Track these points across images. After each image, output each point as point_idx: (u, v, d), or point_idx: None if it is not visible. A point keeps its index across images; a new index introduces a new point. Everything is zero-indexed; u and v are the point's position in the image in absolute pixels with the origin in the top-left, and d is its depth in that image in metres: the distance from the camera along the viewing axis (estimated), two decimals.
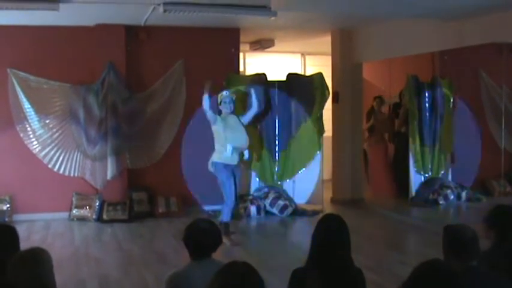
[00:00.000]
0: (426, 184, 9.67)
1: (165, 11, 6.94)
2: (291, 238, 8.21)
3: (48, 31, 8.62)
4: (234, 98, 7.29)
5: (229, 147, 7.04)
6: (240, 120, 7.28)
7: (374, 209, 9.50)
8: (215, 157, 7.15)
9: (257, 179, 9.38)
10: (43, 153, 8.68)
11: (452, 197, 9.61)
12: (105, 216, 8.57)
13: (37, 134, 8.64)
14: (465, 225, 3.24)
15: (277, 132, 9.41)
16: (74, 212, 8.68)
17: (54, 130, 8.69)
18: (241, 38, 9.68)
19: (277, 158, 9.44)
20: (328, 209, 9.32)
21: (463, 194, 9.75)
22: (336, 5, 7.02)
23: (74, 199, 8.74)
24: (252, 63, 11.88)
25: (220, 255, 3.39)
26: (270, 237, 8.04)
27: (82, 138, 8.73)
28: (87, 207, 8.68)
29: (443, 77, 9.94)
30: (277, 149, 9.44)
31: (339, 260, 3.14)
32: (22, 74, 8.51)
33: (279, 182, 9.44)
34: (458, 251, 3.09)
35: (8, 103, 8.52)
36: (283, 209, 8.99)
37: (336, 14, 8.35)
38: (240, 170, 7.52)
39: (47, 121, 8.64)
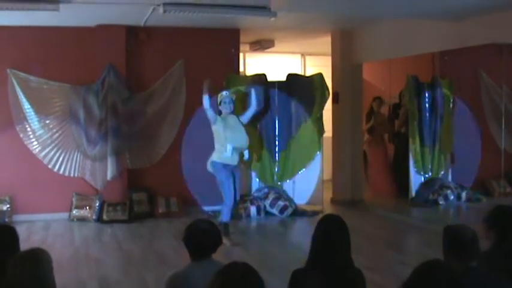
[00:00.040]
0: (426, 184, 9.67)
1: (165, 11, 6.94)
2: (290, 238, 8.21)
3: (49, 31, 8.62)
4: (233, 98, 7.29)
5: (229, 147, 7.05)
6: (239, 120, 7.29)
7: (374, 209, 9.49)
8: (214, 157, 7.16)
9: (257, 180, 9.39)
10: (43, 153, 8.68)
11: (452, 197, 9.61)
12: (105, 217, 8.57)
13: (37, 134, 8.64)
14: (465, 225, 3.24)
15: (277, 133, 9.41)
16: (74, 212, 8.68)
17: (54, 130, 8.69)
18: (241, 39, 9.68)
19: (277, 158, 9.44)
20: (328, 209, 9.33)
21: (463, 195, 9.74)
22: (335, 6, 7.02)
23: (74, 199, 8.74)
24: (252, 63, 11.88)
25: (220, 256, 3.38)
26: (270, 238, 8.04)
27: (82, 138, 8.73)
28: (87, 207, 8.68)
29: (443, 77, 9.94)
30: (277, 149, 9.44)
31: (339, 260, 3.14)
32: (22, 74, 8.51)
33: (279, 183, 9.44)
34: (458, 251, 3.09)
35: (8, 103, 8.52)
36: (283, 209, 8.99)
37: (335, 14, 8.35)
38: (239, 170, 7.52)
39: (47, 121, 8.64)
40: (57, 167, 8.73)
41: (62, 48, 8.75)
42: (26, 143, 8.61)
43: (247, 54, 11.69)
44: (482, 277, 3.02)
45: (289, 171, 9.46)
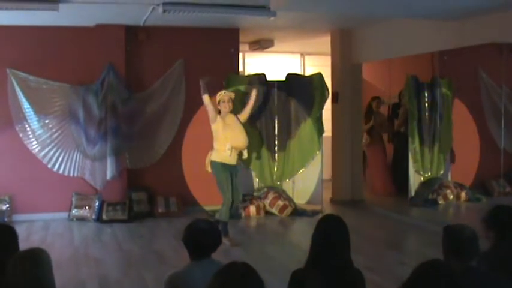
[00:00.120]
0: (426, 184, 9.67)
1: (164, 11, 6.94)
2: (290, 238, 8.21)
3: (48, 31, 8.62)
4: (232, 98, 7.30)
5: (228, 147, 7.05)
6: (239, 120, 7.29)
7: (373, 209, 9.49)
8: (213, 156, 7.16)
9: (256, 179, 9.39)
10: (42, 153, 8.68)
11: (451, 197, 9.62)
12: (104, 217, 8.57)
13: (36, 134, 8.63)
14: (464, 225, 3.24)
15: (276, 133, 9.42)
16: (74, 212, 8.68)
17: (54, 130, 8.69)
18: (241, 38, 9.68)
19: (276, 158, 9.45)
20: (328, 209, 9.33)
21: (463, 194, 9.75)
22: (335, 5, 7.01)
23: (73, 199, 8.74)
24: (251, 63, 11.88)
25: (219, 256, 3.38)
26: (270, 238, 8.04)
27: (81, 138, 8.73)
28: (87, 207, 8.68)
29: (443, 77, 9.93)
30: (276, 149, 9.44)
31: (338, 260, 3.14)
32: (22, 74, 8.50)
33: (278, 182, 9.44)
34: (457, 251, 3.09)
35: (8, 103, 8.52)
36: (282, 209, 8.99)
37: (335, 14, 8.35)
38: (238, 169, 7.51)
39: (47, 121, 8.64)
40: (56, 166, 8.73)
41: (61, 48, 8.75)
42: (25, 142, 8.61)
43: (246, 54, 11.69)
44: (481, 277, 3.02)
45: (288, 171, 9.46)
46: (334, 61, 10.12)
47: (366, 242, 7.16)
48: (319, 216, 4.02)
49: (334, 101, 10.00)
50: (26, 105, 8.53)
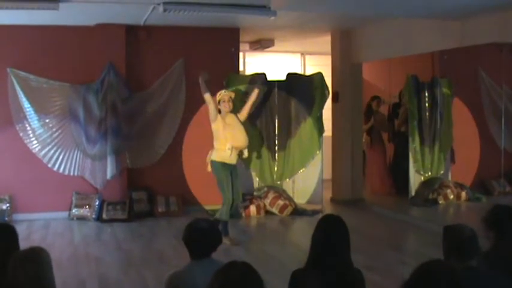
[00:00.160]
0: (426, 184, 9.67)
1: (164, 10, 6.93)
2: (290, 238, 8.21)
3: (48, 31, 8.62)
4: (233, 97, 7.30)
5: (228, 147, 7.06)
6: (239, 120, 7.29)
7: (374, 209, 9.49)
8: (214, 156, 7.16)
9: (256, 179, 9.39)
10: (43, 152, 8.68)
11: (451, 196, 9.62)
12: (104, 216, 8.58)
13: (37, 133, 8.63)
14: (464, 224, 3.25)
15: (276, 132, 9.42)
16: (74, 211, 8.68)
17: (54, 129, 8.69)
18: (241, 38, 9.68)
19: (276, 157, 9.45)
20: (328, 208, 9.34)
21: (463, 194, 9.74)
22: (335, 5, 7.01)
23: (73, 198, 8.74)
24: (251, 62, 11.88)
25: (220, 255, 3.38)
26: (270, 237, 8.04)
27: (82, 137, 8.73)
28: (87, 206, 8.68)
29: (443, 77, 9.93)
30: (276, 148, 9.44)
31: (338, 260, 3.14)
32: (22, 73, 8.50)
33: (278, 182, 9.44)
34: (458, 250, 3.09)
35: (8, 102, 8.52)
36: (283, 208, 8.99)
37: (335, 14, 8.34)
38: (238, 169, 7.51)
39: (47, 120, 8.64)
40: (56, 166, 8.74)
41: (61, 47, 8.75)
42: (25, 142, 8.61)
43: (247, 54, 11.69)
44: (482, 277, 3.02)
45: (288, 171, 9.46)
46: (335, 61, 10.12)
47: (366, 242, 7.16)
48: (320, 215, 4.02)
49: (334, 100, 10.00)
50: (26, 105, 8.53)
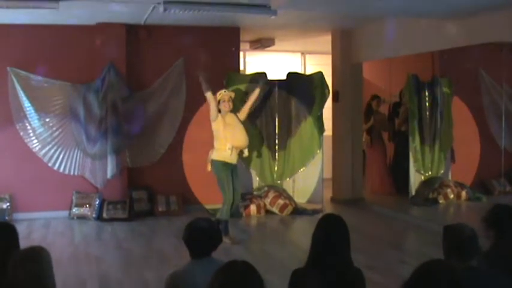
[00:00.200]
0: (426, 183, 9.66)
1: (165, 9, 6.94)
2: (290, 237, 8.21)
3: (48, 30, 8.63)
4: (233, 97, 7.31)
5: (229, 146, 7.06)
6: (239, 119, 7.30)
7: (374, 208, 9.49)
8: (214, 155, 7.17)
9: (256, 178, 9.39)
10: (43, 151, 8.68)
11: (452, 196, 9.62)
12: (105, 215, 8.58)
13: (37, 132, 8.64)
14: (464, 224, 3.25)
15: (277, 131, 9.42)
16: (74, 210, 8.69)
17: (54, 129, 8.69)
18: (242, 37, 9.68)
19: (276, 157, 9.45)
20: (328, 208, 9.34)
21: (463, 193, 9.74)
22: (336, 4, 7.00)
23: (74, 198, 8.74)
24: (252, 62, 11.88)
25: (220, 254, 3.38)
26: (270, 236, 8.04)
27: (82, 136, 8.73)
28: (87, 205, 8.68)
29: (443, 76, 9.93)
30: (277, 148, 9.44)
31: (339, 260, 3.14)
32: (22, 72, 8.50)
33: (278, 181, 9.44)
34: (458, 250, 3.09)
35: (8, 102, 8.52)
36: (283, 208, 8.99)
37: (336, 13, 8.33)
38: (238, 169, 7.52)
39: (47, 119, 8.64)
40: (57, 165, 8.74)
41: (62, 46, 8.75)
42: (26, 141, 8.61)
43: (247, 53, 11.69)
44: (482, 277, 3.02)
45: (289, 170, 9.46)
46: (335, 60, 10.12)
47: (366, 241, 7.16)
48: (320, 215, 4.02)
49: (334, 100, 10.00)
50: (26, 104, 8.53)
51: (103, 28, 8.65)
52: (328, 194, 10.06)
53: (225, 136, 7.08)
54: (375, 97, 10.46)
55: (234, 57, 9.52)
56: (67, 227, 8.23)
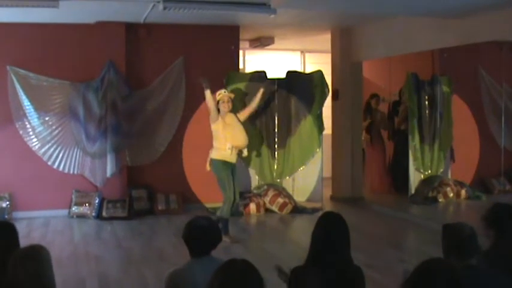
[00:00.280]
0: (425, 182, 9.67)
1: (164, 8, 6.93)
2: (290, 236, 8.22)
3: (48, 28, 8.62)
4: (232, 98, 7.31)
5: (229, 146, 7.06)
6: (238, 119, 7.31)
7: (373, 206, 9.49)
8: (214, 155, 7.17)
9: (256, 177, 9.39)
10: (43, 150, 8.68)
11: (451, 194, 9.62)
12: (104, 214, 8.58)
13: (36, 131, 8.63)
14: (464, 223, 3.25)
15: (276, 130, 9.42)
16: (74, 209, 8.69)
17: (54, 127, 8.69)
18: (241, 36, 9.68)
19: (276, 155, 9.45)
20: (328, 206, 9.34)
21: (463, 192, 9.75)
22: (335, 3, 7.00)
23: (73, 196, 8.74)
24: (251, 60, 11.88)
25: (219, 253, 3.39)
26: (270, 235, 8.04)
27: (82, 135, 8.73)
28: (87, 204, 8.68)
29: (443, 75, 9.94)
30: (276, 146, 9.44)
31: (338, 258, 3.14)
32: (22, 71, 8.50)
33: (278, 180, 9.44)
34: (457, 249, 3.09)
35: (8, 100, 8.52)
36: (282, 206, 8.99)
37: (335, 12, 8.34)
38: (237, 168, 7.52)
39: (47, 118, 8.64)
40: (56, 164, 8.73)
41: (61, 45, 8.74)
42: (25, 140, 8.61)
43: (246, 51, 11.70)
44: (482, 275, 3.02)
45: (288, 169, 9.46)
46: (335, 59, 10.12)
47: (366, 240, 7.16)
48: (319, 213, 4.02)
49: (334, 98, 10.00)
50: (26, 103, 8.53)
51: (102, 27, 8.64)
52: (327, 192, 10.06)
53: (225, 136, 7.09)
54: (374, 96, 10.46)
55: (233, 55, 9.51)
56: (67, 226, 8.23)
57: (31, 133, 8.62)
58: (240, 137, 7.22)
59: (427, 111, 9.68)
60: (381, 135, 10.60)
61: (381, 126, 10.49)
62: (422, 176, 9.70)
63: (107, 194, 8.76)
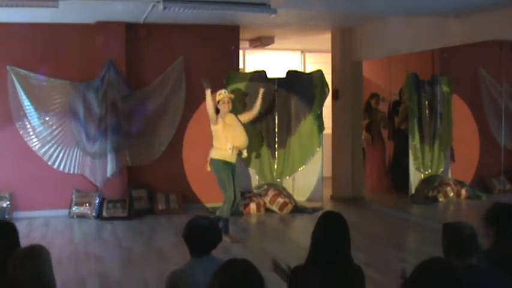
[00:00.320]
0: (426, 181, 9.67)
1: (164, 8, 6.93)
2: (290, 235, 8.22)
3: (48, 28, 8.62)
4: (232, 98, 7.31)
5: (229, 146, 7.07)
6: (239, 120, 7.31)
7: (374, 206, 9.49)
8: (214, 154, 7.18)
9: (256, 177, 9.39)
10: (43, 150, 8.68)
11: (451, 194, 9.62)
12: (105, 214, 8.58)
13: (37, 131, 8.63)
14: (464, 222, 3.24)
15: (276, 130, 9.42)
16: (74, 209, 8.69)
17: (54, 127, 8.69)
18: (241, 35, 9.67)
19: (276, 155, 9.45)
20: (328, 206, 9.34)
21: (463, 192, 9.75)
22: (335, 3, 7.00)
23: (73, 196, 8.74)
24: (251, 60, 11.88)
25: (220, 253, 3.39)
26: (270, 235, 8.05)
27: (82, 135, 8.73)
28: (87, 204, 8.68)
29: (443, 75, 9.94)
30: (276, 146, 9.44)
31: (338, 257, 3.15)
32: (22, 71, 8.50)
33: (278, 179, 9.44)
34: (458, 248, 3.09)
35: (8, 100, 8.52)
36: (283, 206, 8.99)
37: (336, 12, 8.34)
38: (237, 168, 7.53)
39: (47, 118, 8.64)
40: (57, 163, 8.74)
41: (61, 45, 8.75)
42: (26, 139, 8.61)
43: (247, 51, 11.70)
44: (482, 275, 3.02)
45: (289, 168, 9.46)
46: (335, 58, 10.12)
47: (366, 239, 7.16)
48: (320, 213, 4.02)
49: (334, 98, 10.00)
50: (26, 103, 8.53)
51: (103, 26, 8.64)
52: (328, 192, 10.06)
53: (226, 136, 7.09)
54: (374, 95, 10.46)
55: (233, 55, 9.51)
56: (67, 226, 8.23)
57: (31, 133, 8.62)
58: (240, 138, 7.22)
59: (427, 111, 9.68)
60: (381, 134, 10.60)
61: (380, 125, 10.49)
62: (422, 176, 9.70)
63: (107, 193, 8.76)
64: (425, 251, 5.97)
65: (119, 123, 8.71)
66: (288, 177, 9.50)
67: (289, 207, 9.01)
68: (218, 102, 7.18)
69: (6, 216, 8.22)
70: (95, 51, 8.70)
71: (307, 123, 9.33)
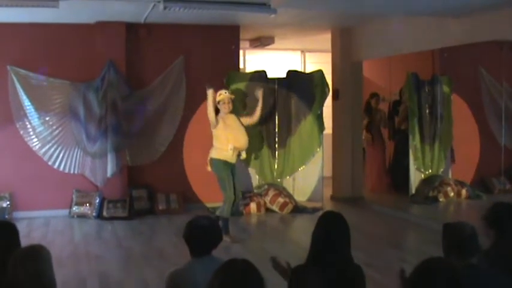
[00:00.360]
0: (426, 181, 9.67)
1: (165, 8, 6.93)
2: (291, 235, 8.22)
3: (48, 28, 8.62)
4: (233, 99, 7.32)
5: (230, 147, 7.07)
6: (239, 120, 7.31)
7: (374, 206, 9.49)
8: (214, 154, 7.18)
9: (256, 177, 9.39)
10: (43, 150, 8.68)
11: (452, 194, 9.62)
12: (105, 214, 8.58)
13: (37, 131, 8.63)
14: (464, 222, 3.25)
15: (276, 130, 9.42)
16: (74, 209, 8.69)
17: (54, 127, 8.69)
18: (241, 35, 9.68)
19: (276, 155, 9.45)
20: (328, 206, 9.34)
21: (463, 192, 9.75)
22: (336, 3, 7.00)
23: (74, 196, 8.74)
24: (252, 60, 11.88)
25: (220, 253, 3.39)
26: (270, 235, 8.05)
27: (82, 135, 8.73)
28: (87, 204, 8.68)
29: (443, 75, 9.94)
30: (276, 146, 9.44)
31: (339, 257, 3.15)
32: (22, 71, 8.50)
33: (278, 179, 9.44)
34: (458, 248, 3.09)
35: (8, 100, 8.52)
36: (283, 206, 8.99)
37: (336, 11, 8.33)
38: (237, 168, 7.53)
39: (47, 118, 8.64)
40: (57, 163, 8.74)
41: (61, 45, 8.74)
42: (26, 140, 8.61)
43: (247, 51, 11.70)
44: (482, 275, 3.02)
45: (289, 168, 9.46)
46: (335, 58, 10.12)
47: (366, 239, 7.16)
48: (320, 213, 4.01)
49: (334, 98, 10.00)
50: (26, 103, 8.53)
51: (103, 26, 8.64)
52: (328, 192, 10.06)
53: (227, 137, 7.10)
54: (374, 95, 10.46)
55: (233, 55, 9.51)
56: (67, 226, 8.23)
57: (31, 133, 8.62)
58: (241, 138, 7.23)
59: (427, 111, 9.68)
60: (381, 134, 10.60)
61: (381, 125, 10.49)
62: (422, 176, 9.70)
63: (108, 193, 8.76)
64: (426, 251, 5.97)
65: (119, 123, 8.71)
66: (288, 177, 9.50)
67: (290, 207, 9.02)
68: (218, 102, 7.18)
69: (6, 216, 8.22)
70: (95, 51, 8.70)
71: (308, 123, 9.33)
